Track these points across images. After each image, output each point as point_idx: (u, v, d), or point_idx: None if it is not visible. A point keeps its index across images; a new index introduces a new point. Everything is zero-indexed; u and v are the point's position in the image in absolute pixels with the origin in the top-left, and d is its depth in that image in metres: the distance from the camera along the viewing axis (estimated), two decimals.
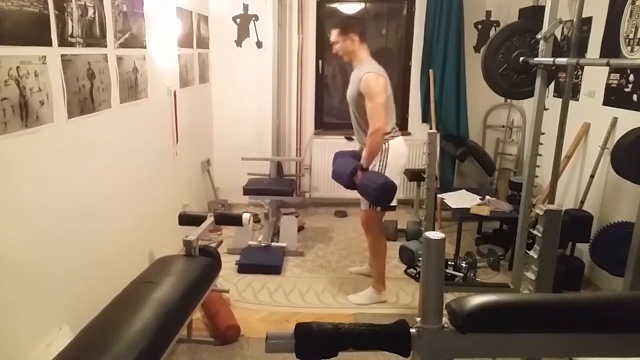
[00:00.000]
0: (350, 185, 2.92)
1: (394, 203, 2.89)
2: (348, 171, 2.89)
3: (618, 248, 2.66)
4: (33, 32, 1.84)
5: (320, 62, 4.77)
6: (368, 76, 2.76)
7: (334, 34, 2.94)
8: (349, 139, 4.43)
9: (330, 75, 5.01)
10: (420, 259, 3.17)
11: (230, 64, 4.64)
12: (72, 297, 2.13)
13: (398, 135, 2.93)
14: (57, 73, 2.00)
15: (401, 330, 0.87)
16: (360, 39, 2.91)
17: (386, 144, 2.84)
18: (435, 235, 0.86)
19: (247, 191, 3.71)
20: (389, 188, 2.74)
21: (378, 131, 2.74)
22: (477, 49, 4.62)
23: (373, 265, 3.15)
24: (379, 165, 2.85)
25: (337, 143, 4.47)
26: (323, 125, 4.91)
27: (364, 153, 2.84)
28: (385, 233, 3.49)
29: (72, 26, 2.10)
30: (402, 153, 2.93)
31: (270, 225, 3.80)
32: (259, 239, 3.68)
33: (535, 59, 2.29)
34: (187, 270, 2.29)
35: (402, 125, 4.92)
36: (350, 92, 2.91)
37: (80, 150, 2.21)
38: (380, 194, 2.73)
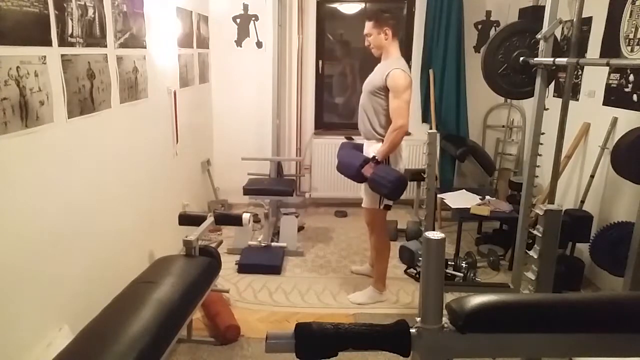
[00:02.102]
0: (357, 177, 2.87)
1: (410, 197, 2.89)
2: (357, 163, 2.84)
3: (618, 248, 2.66)
4: (33, 32, 1.84)
5: (320, 62, 4.77)
6: (398, 73, 2.73)
7: (368, 26, 2.87)
8: (349, 138, 4.43)
9: (332, 74, 5.01)
10: (420, 259, 3.17)
11: (230, 64, 4.64)
12: (72, 297, 2.13)
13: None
14: (57, 73, 2.00)
15: (401, 330, 0.87)
16: (393, 34, 2.86)
17: None
18: (435, 235, 0.86)
19: (247, 191, 3.71)
20: (403, 182, 2.73)
21: (401, 128, 2.72)
22: (477, 49, 4.62)
23: (375, 264, 3.15)
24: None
25: (337, 143, 4.41)
26: (323, 125, 4.91)
27: (381, 147, 2.79)
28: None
29: (72, 26, 2.10)
30: (403, 156, 2.93)
31: (270, 225, 3.80)
32: (259, 239, 3.68)
33: (535, 59, 2.29)
34: (187, 270, 2.29)
35: None
36: (372, 81, 2.87)
37: (80, 150, 2.21)
38: (395, 187, 2.70)
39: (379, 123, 2.84)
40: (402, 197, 2.88)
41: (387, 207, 2.92)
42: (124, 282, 2.15)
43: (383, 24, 2.82)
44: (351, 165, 2.90)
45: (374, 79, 2.87)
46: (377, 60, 2.97)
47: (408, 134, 4.69)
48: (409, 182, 2.90)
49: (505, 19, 4.53)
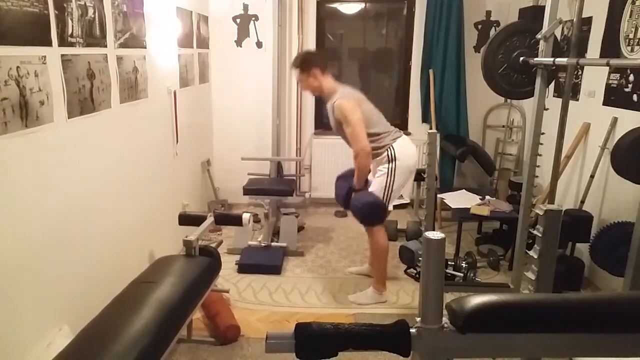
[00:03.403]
0: (347, 206, 3.04)
1: (403, 201, 2.93)
2: (344, 192, 3.01)
3: (618, 248, 2.66)
4: (33, 32, 1.84)
5: None
6: (338, 104, 2.82)
7: (296, 74, 3.02)
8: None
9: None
10: (420, 259, 3.17)
11: (230, 64, 4.64)
12: (72, 297, 2.13)
13: (400, 136, 2.94)
14: (57, 73, 2.00)
15: (401, 330, 0.87)
16: (322, 71, 2.94)
17: (391, 149, 2.85)
18: (435, 235, 0.86)
19: (247, 191, 3.71)
20: (375, 207, 2.83)
21: (361, 152, 2.79)
22: (477, 49, 4.62)
23: (374, 265, 3.15)
24: (389, 170, 2.85)
25: (337, 143, 4.41)
26: (323, 125, 4.90)
27: (355, 174, 2.90)
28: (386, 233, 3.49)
29: (72, 26, 2.10)
30: (410, 154, 2.93)
31: (270, 225, 3.80)
32: (259, 239, 3.68)
33: (535, 59, 2.29)
34: (187, 270, 2.29)
35: (402, 125, 4.92)
36: (332, 123, 2.99)
37: (80, 150, 2.22)
38: (366, 212, 2.85)
39: None
40: (405, 197, 2.91)
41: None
42: (124, 282, 2.15)
43: (309, 68, 2.93)
44: (339, 196, 3.12)
45: (331, 120, 2.99)
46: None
47: (408, 133, 4.75)
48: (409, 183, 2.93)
49: (505, 19, 4.53)
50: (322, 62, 2.98)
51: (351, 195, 2.94)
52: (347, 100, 2.80)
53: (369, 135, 2.83)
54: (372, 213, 2.85)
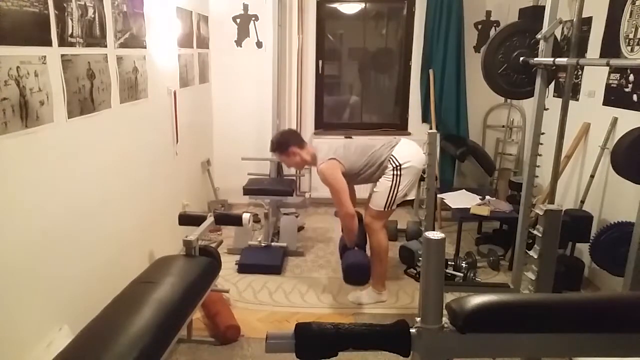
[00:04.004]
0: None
1: (411, 197, 2.97)
2: (341, 245, 3.20)
3: (618, 248, 2.66)
4: (33, 32, 1.84)
5: (320, 62, 4.77)
6: (319, 170, 2.91)
7: (278, 157, 3.18)
8: (349, 137, 4.43)
9: (332, 74, 5.01)
10: (420, 259, 3.17)
11: (230, 64, 4.64)
12: (72, 297, 2.13)
13: (398, 142, 2.93)
14: (57, 73, 2.00)
15: (401, 330, 0.87)
16: (299, 146, 3.04)
17: (392, 159, 2.85)
18: (435, 235, 0.86)
19: (247, 191, 3.71)
20: (358, 270, 2.93)
21: (345, 216, 2.89)
22: (477, 49, 4.62)
23: (375, 265, 3.14)
24: (394, 175, 2.85)
25: (337, 143, 4.45)
26: (323, 125, 4.91)
27: (344, 234, 3.05)
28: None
29: (72, 26, 2.10)
30: (412, 154, 2.90)
31: (270, 225, 3.80)
32: (259, 239, 3.68)
33: (535, 59, 2.29)
34: (187, 270, 2.29)
35: (402, 125, 4.92)
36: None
37: (80, 150, 2.22)
38: (346, 274, 3.00)
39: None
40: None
41: (389, 211, 2.96)
42: (124, 282, 2.15)
43: (286, 148, 3.03)
44: (340, 249, 3.24)
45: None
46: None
47: (408, 134, 4.75)
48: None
49: (505, 19, 4.53)
50: (296, 138, 3.12)
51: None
52: (327, 166, 2.89)
53: (362, 167, 2.92)
54: (352, 274, 2.97)
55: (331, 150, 2.97)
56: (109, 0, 2.43)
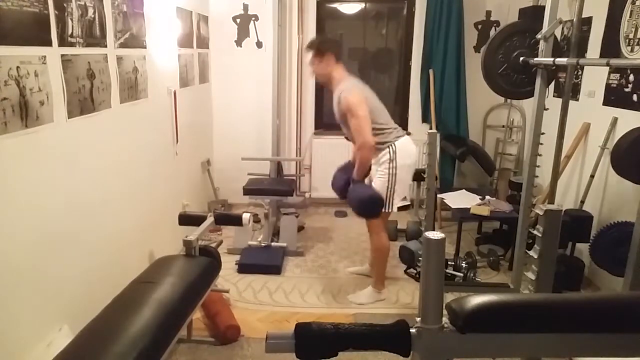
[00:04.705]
0: (344, 197, 3.02)
1: (406, 202, 2.93)
2: (342, 183, 3.00)
3: (618, 248, 2.66)
4: (33, 32, 1.84)
5: None
6: (344, 95, 2.80)
7: (309, 58, 2.97)
8: (348, 139, 4.43)
9: None
10: (420, 259, 3.17)
11: (230, 64, 4.64)
12: (72, 297, 2.13)
13: (403, 135, 2.94)
14: (57, 73, 2.00)
15: (401, 330, 0.87)
16: (336, 58, 2.92)
17: (392, 146, 2.85)
18: (435, 235, 0.86)
19: (247, 191, 3.71)
20: (373, 201, 2.80)
21: (364, 145, 2.78)
22: (477, 49, 4.62)
23: (374, 264, 3.15)
24: (390, 168, 2.85)
25: (337, 143, 4.46)
26: (323, 125, 4.91)
27: (356, 166, 2.88)
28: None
29: (72, 26, 2.10)
30: (410, 153, 2.92)
31: (270, 225, 3.80)
32: (259, 239, 3.68)
33: (535, 59, 2.29)
34: (187, 270, 2.29)
35: (402, 125, 4.90)
36: (337, 114, 2.96)
37: (80, 150, 2.21)
38: (362, 206, 2.84)
39: None
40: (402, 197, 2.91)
41: (405, 207, 2.94)
42: (124, 282, 2.15)
43: (324, 52, 2.90)
44: (337, 186, 3.08)
45: (335, 110, 2.96)
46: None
47: (408, 133, 4.74)
48: (410, 182, 2.93)
49: (505, 19, 4.53)
50: (337, 49, 2.96)
51: (349, 186, 2.93)
52: (354, 94, 2.79)
53: (375, 128, 2.81)
54: (368, 206, 2.83)
55: (363, 91, 2.87)
56: (109, 0, 2.43)
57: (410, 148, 2.93)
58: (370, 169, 2.98)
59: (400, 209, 2.98)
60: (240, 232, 3.71)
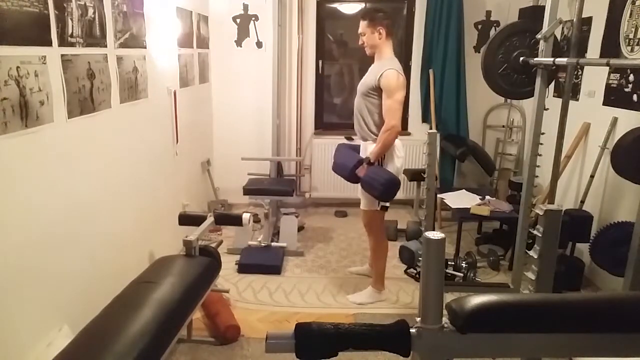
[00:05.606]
0: (352, 178, 2.89)
1: (387, 204, 2.89)
2: (351, 164, 2.86)
3: (618, 248, 2.66)
4: (33, 32, 1.84)
5: (320, 62, 4.77)
6: (391, 73, 2.72)
7: (362, 25, 2.87)
8: (349, 139, 4.43)
9: (332, 74, 5.01)
10: (420, 259, 3.17)
11: (230, 64, 4.64)
12: (72, 297, 2.13)
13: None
14: (57, 73, 2.00)
15: (401, 330, 0.87)
16: (387, 33, 2.84)
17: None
18: (435, 235, 0.86)
19: (247, 191, 3.71)
20: (394, 184, 2.73)
21: (393, 128, 2.73)
22: (477, 49, 4.62)
23: (374, 265, 3.15)
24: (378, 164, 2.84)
25: (337, 143, 4.44)
26: (323, 125, 4.91)
27: (374, 148, 2.80)
28: (386, 233, 3.49)
29: (72, 26, 2.10)
30: (401, 155, 2.92)
31: (270, 225, 3.80)
32: (259, 239, 3.68)
33: (535, 59, 2.29)
34: (187, 270, 2.29)
35: (402, 125, 4.91)
36: (366, 82, 2.86)
37: (80, 150, 2.21)
38: (386, 189, 2.71)
39: (374, 123, 2.84)
40: (402, 197, 2.90)
41: (384, 208, 2.92)
42: (124, 282, 2.15)
43: (377, 23, 2.81)
44: (345, 166, 2.91)
45: (367, 80, 2.86)
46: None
47: (408, 134, 4.75)
48: (409, 182, 2.90)
49: (505, 19, 4.53)
50: (390, 23, 2.89)
51: (358, 168, 2.83)
52: (399, 75, 2.74)
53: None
54: (390, 189, 2.74)
55: (403, 76, 2.80)
56: (109, 0, 2.43)
57: (401, 151, 2.93)
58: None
59: (396, 206, 2.95)
60: (240, 232, 3.71)
